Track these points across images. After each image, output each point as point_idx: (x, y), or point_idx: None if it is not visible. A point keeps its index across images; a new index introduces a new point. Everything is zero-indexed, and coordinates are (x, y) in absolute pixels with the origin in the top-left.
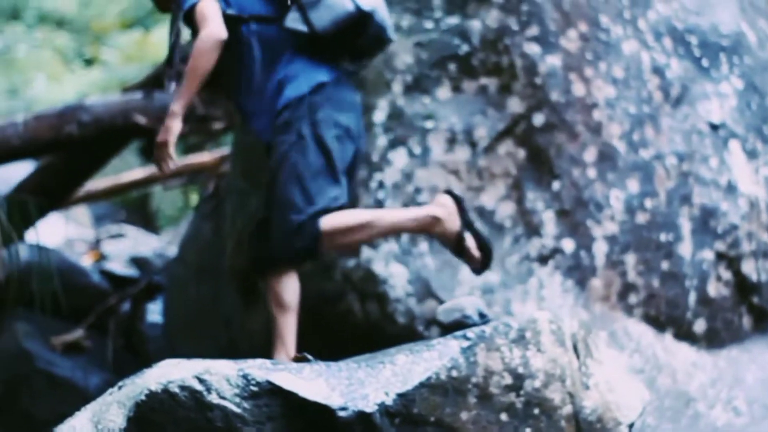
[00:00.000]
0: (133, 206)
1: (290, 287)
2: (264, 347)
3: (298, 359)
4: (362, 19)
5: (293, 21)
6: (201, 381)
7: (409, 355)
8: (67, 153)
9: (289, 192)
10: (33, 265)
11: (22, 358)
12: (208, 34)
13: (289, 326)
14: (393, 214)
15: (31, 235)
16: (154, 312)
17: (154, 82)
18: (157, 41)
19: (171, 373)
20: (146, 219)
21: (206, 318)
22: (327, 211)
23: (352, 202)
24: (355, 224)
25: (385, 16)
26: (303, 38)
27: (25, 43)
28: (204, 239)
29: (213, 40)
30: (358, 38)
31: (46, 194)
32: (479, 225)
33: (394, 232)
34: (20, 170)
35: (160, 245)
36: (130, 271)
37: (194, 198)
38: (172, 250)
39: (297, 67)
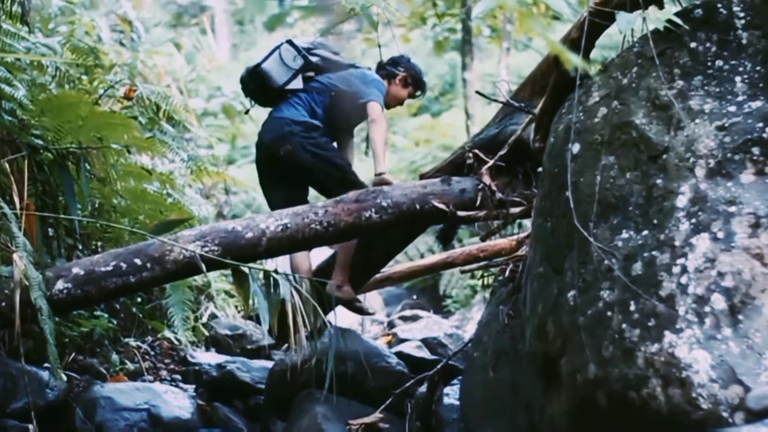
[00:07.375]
0: (422, 289)
1: None
2: None
3: None
4: None
5: None
6: None
7: None
8: (366, 238)
9: None
10: (331, 348)
11: None
12: None
13: None
14: None
15: (329, 318)
16: (451, 394)
17: (450, 167)
18: (443, 127)
19: None
20: (434, 302)
21: (504, 402)
22: None
23: None
24: None
25: None
26: None
27: None
28: (501, 323)
29: None
30: None
31: None
32: None
33: None
34: (319, 255)
35: (450, 328)
36: (424, 354)
37: (485, 282)
38: (463, 333)
39: None
